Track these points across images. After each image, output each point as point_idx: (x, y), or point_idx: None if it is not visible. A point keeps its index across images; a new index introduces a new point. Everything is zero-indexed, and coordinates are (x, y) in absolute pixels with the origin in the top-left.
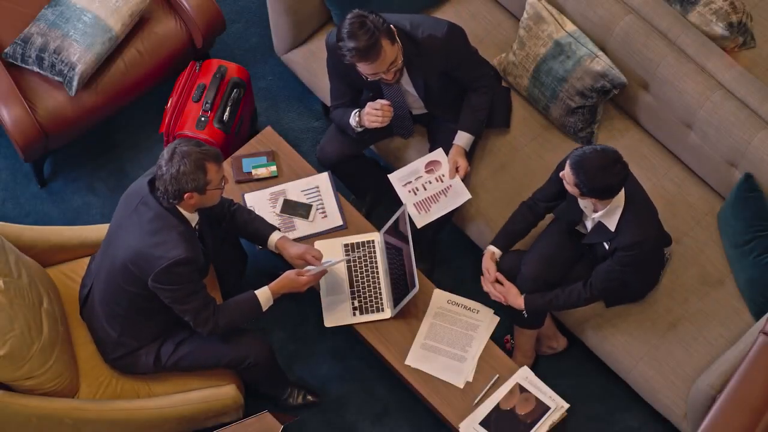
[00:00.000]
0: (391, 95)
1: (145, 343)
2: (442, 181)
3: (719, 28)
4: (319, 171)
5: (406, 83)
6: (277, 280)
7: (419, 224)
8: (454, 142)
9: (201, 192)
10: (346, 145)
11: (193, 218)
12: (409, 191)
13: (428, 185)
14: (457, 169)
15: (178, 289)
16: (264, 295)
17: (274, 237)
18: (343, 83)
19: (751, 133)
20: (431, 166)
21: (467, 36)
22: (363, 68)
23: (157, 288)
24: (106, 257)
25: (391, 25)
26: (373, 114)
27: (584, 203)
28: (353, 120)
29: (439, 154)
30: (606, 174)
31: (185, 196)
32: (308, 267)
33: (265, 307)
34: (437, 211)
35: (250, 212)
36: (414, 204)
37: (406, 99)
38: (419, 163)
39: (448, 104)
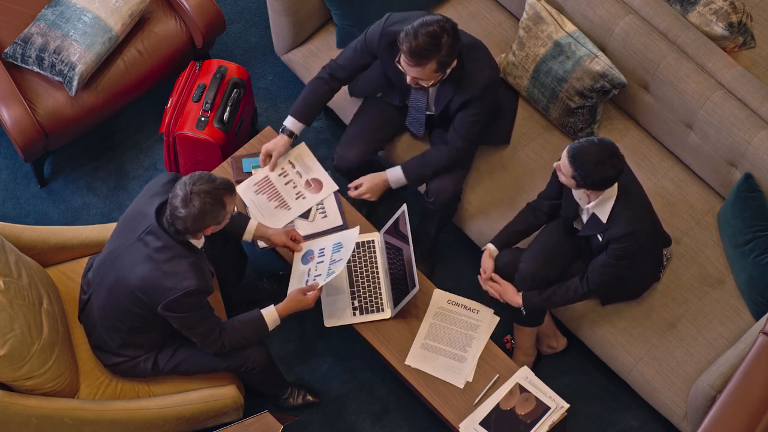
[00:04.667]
0: (416, 92)
1: (144, 352)
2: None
3: (719, 28)
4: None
5: (433, 89)
6: (285, 301)
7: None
8: (386, 171)
9: (219, 224)
10: (364, 150)
11: (199, 243)
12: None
13: (285, 186)
14: (356, 188)
15: (188, 317)
16: (271, 316)
17: (252, 225)
18: (362, 57)
19: (751, 133)
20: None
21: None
22: (401, 58)
23: (167, 315)
24: (108, 273)
25: (455, 60)
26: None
27: (578, 194)
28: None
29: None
30: (604, 167)
31: (206, 230)
32: (311, 282)
33: (271, 328)
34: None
35: None
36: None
37: (426, 100)
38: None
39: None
